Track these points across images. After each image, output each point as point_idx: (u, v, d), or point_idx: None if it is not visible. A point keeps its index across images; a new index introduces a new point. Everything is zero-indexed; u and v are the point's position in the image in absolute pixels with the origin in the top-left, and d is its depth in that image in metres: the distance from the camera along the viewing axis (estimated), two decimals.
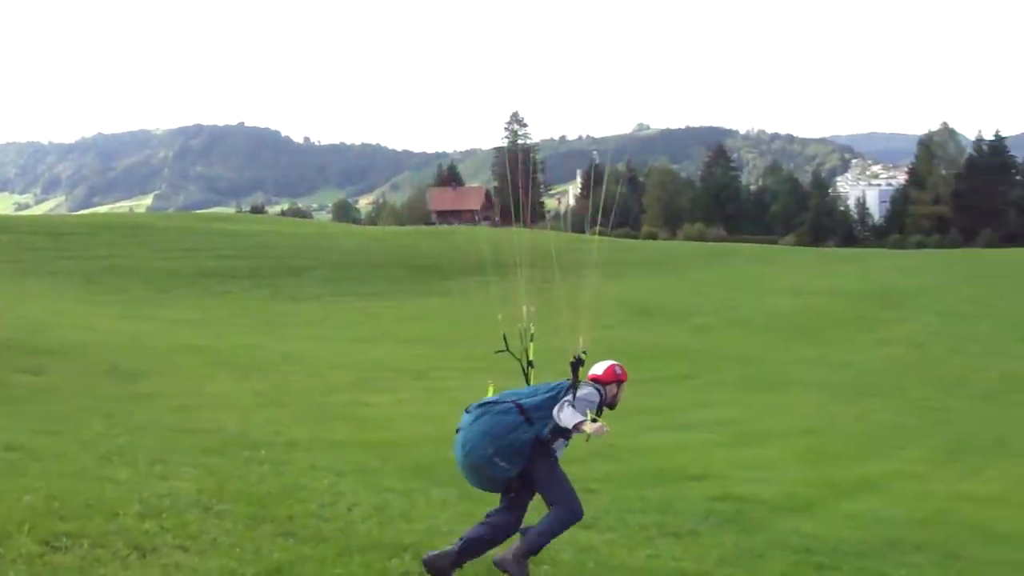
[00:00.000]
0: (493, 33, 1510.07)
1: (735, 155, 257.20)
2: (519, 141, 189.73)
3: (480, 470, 8.64)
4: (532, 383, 9.43)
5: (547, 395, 8.84)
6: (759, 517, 13.18)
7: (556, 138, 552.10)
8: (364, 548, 9.36)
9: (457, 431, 8.82)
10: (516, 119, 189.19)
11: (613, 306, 58.26)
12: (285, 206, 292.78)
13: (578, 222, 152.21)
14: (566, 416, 8.50)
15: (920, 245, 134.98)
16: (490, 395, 9.08)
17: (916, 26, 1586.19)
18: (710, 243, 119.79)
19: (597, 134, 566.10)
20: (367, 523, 10.58)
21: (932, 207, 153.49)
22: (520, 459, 8.60)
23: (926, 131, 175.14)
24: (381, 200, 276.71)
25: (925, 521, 14.22)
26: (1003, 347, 50.45)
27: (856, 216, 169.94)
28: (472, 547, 8.68)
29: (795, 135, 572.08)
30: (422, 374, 30.05)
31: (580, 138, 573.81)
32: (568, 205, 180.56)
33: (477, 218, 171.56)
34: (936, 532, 13.34)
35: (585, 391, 8.90)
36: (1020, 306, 66.22)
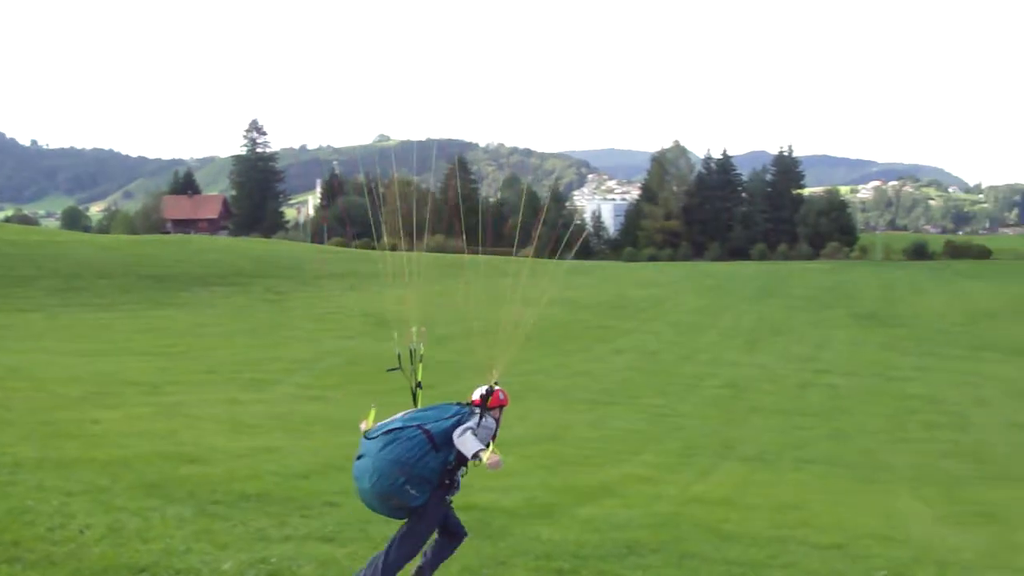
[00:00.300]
0: (232, 38, 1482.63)
1: (475, 168, 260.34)
2: (258, 149, 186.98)
3: (389, 499, 8.45)
4: (419, 404, 9.39)
5: (451, 421, 8.71)
6: (501, 525, 13.22)
7: (296, 147, 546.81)
8: (98, 571, 8.93)
9: (358, 458, 8.57)
10: (255, 127, 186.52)
11: (353, 317, 57.98)
12: (9, 212, 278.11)
13: (318, 232, 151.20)
14: (468, 444, 8.40)
15: (653, 258, 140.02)
16: (372, 418, 8.91)
17: (652, 47, 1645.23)
18: (449, 254, 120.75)
19: (338, 144, 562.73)
20: (100, 545, 10.06)
21: (664, 222, 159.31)
22: (429, 487, 8.50)
23: (659, 148, 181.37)
24: (114, 208, 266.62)
25: (660, 524, 14.58)
26: (729, 356, 52.72)
27: (592, 229, 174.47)
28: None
29: (533, 149, 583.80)
30: (156, 388, 28.92)
31: (321, 147, 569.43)
32: (308, 215, 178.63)
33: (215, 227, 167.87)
34: (671, 533, 13.70)
35: (487, 420, 8.84)
36: (744, 317, 69.50)
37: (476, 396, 9.09)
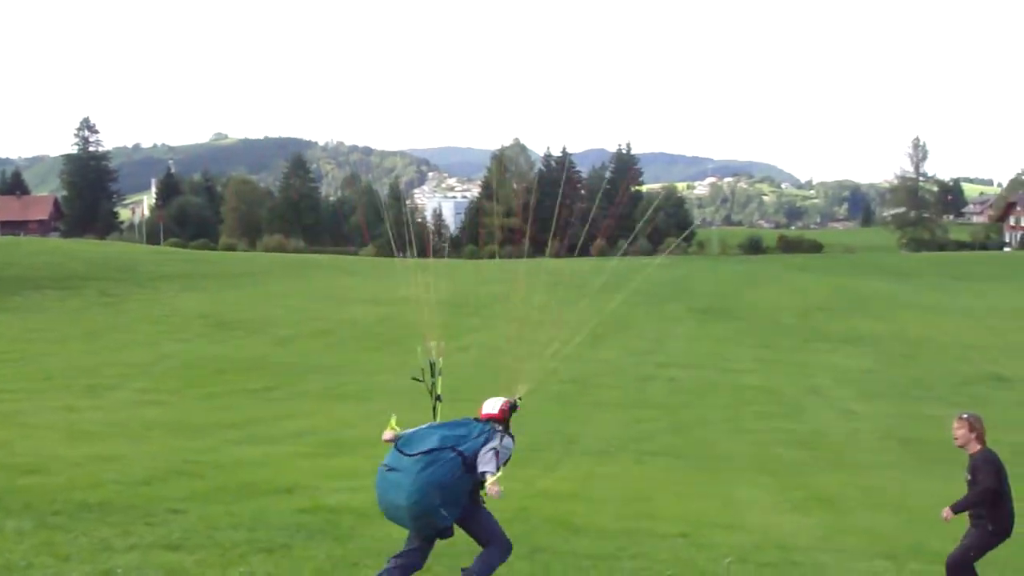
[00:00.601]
0: (62, 31, 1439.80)
1: (314, 166, 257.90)
2: (90, 148, 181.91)
3: (424, 518, 8.77)
4: (438, 419, 9.87)
5: (480, 440, 9.04)
6: (350, 526, 13.16)
7: (130, 145, 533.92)
8: None
9: (389, 470, 8.94)
10: (87, 124, 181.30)
11: (190, 319, 56.92)
12: None
13: (153, 232, 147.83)
14: (484, 461, 8.84)
15: (494, 255, 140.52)
16: (394, 426, 9.34)
17: (490, 44, 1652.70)
18: (290, 255, 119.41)
19: (173, 142, 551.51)
20: None
21: (505, 219, 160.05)
22: (459, 508, 8.93)
23: (499, 146, 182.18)
24: None
25: (509, 519, 14.60)
26: (572, 351, 53.23)
27: (433, 227, 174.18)
28: None
29: (373, 147, 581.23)
30: None
31: (155, 146, 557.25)
32: (143, 215, 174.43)
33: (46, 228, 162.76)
34: (520, 528, 13.78)
35: (507, 441, 9.25)
36: (584, 313, 70.27)
37: (489, 410, 9.58)
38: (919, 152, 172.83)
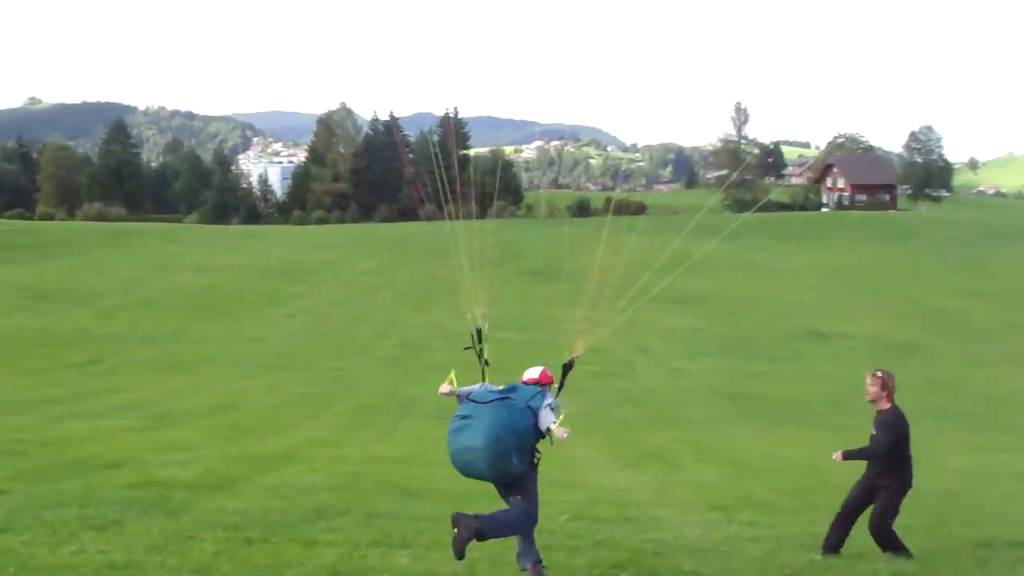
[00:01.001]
0: None
1: (135, 132, 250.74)
2: None
3: (499, 461, 8.88)
4: (486, 380, 9.93)
5: (538, 400, 9.32)
6: (183, 499, 12.82)
7: None
8: None
9: (463, 417, 9.11)
10: None
11: (8, 292, 54.95)
12: None
13: None
14: (544, 418, 9.12)
15: (322, 221, 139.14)
16: (454, 382, 9.76)
17: (314, 5, 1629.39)
18: (112, 223, 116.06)
19: None
20: None
21: (333, 184, 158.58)
22: (528, 459, 9.20)
23: (325, 110, 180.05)
24: None
25: (346, 485, 14.55)
26: (402, 316, 53.23)
27: (259, 193, 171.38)
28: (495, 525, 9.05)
29: (196, 112, 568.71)
30: None
31: None
32: None
33: None
34: (356, 494, 13.69)
35: (556, 400, 9.55)
36: (416, 277, 70.25)
37: (531, 375, 9.89)
38: (741, 116, 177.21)
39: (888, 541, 11.06)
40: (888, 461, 10.97)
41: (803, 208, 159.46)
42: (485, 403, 9.19)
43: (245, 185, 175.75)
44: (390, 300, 59.97)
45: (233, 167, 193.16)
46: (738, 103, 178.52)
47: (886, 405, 11.07)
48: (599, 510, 13.71)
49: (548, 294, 63.08)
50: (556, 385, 10.00)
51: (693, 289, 64.42)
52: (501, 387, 9.66)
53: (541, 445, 9.36)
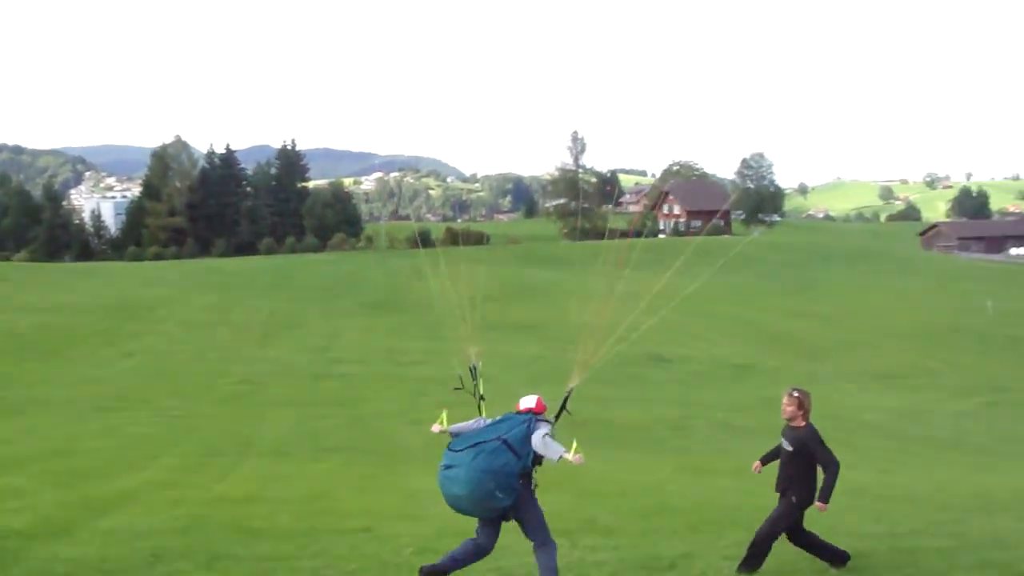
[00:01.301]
0: None
1: None
2: None
3: (483, 503, 9.82)
4: (483, 415, 10.82)
5: (523, 428, 10.12)
6: (15, 548, 12.43)
7: None
8: None
9: (447, 467, 9.94)
10: None
11: None
12: None
13: None
14: (554, 449, 9.84)
15: (158, 257, 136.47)
16: (444, 421, 10.66)
17: (148, 38, 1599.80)
18: None
19: None
20: None
21: (169, 219, 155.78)
22: (513, 491, 9.87)
23: (160, 143, 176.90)
24: None
25: (186, 528, 14.30)
26: (241, 352, 52.42)
27: (92, 229, 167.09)
28: (459, 560, 10.46)
29: (24, 146, 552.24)
30: None
31: None
32: None
33: None
34: (197, 536, 13.47)
35: (551, 429, 10.34)
36: (255, 312, 69.36)
37: (527, 405, 10.67)
38: (578, 145, 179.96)
39: (762, 551, 11.41)
40: (799, 473, 11.31)
41: (639, 234, 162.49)
42: (460, 451, 9.95)
43: (77, 221, 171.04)
44: (229, 336, 59.04)
45: (64, 202, 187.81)
46: (575, 132, 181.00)
47: (802, 423, 11.47)
48: (444, 542, 13.75)
49: (390, 326, 63.00)
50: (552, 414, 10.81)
51: (533, 317, 65.18)
52: (496, 418, 10.49)
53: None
